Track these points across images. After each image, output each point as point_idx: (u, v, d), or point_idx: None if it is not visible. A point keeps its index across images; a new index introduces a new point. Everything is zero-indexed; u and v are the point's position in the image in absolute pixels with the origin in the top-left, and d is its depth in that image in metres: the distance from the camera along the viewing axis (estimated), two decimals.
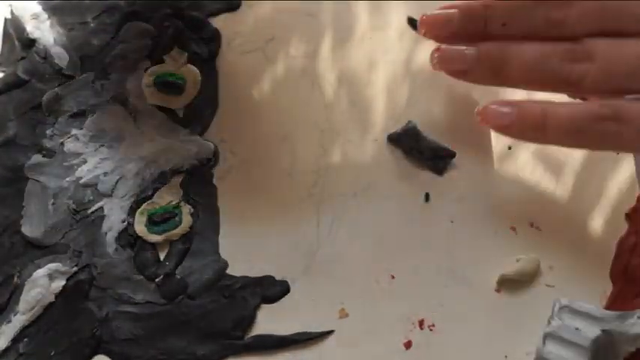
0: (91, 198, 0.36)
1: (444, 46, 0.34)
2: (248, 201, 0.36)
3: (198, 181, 0.37)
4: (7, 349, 0.33)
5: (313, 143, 0.38)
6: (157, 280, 0.34)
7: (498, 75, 0.34)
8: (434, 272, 0.35)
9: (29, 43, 0.39)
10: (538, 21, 0.33)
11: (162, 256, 0.35)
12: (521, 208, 0.37)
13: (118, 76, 0.38)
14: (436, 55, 0.34)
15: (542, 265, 0.35)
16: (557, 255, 0.36)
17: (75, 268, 0.35)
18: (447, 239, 0.36)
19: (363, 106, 0.39)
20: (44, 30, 0.39)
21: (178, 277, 0.35)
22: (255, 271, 0.35)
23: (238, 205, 0.36)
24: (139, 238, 0.35)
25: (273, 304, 0.34)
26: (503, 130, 0.32)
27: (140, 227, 0.35)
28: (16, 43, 0.39)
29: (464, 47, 0.34)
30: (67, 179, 0.36)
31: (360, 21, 0.40)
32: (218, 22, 0.40)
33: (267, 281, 0.35)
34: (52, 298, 0.34)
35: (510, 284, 0.35)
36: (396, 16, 0.40)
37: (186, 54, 0.39)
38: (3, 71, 0.38)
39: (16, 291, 0.34)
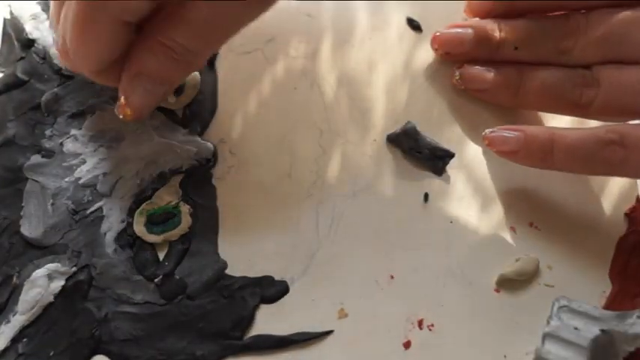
0: (90, 198, 0.36)
1: (467, 65, 0.36)
2: (247, 201, 0.36)
3: (198, 182, 0.37)
4: (6, 350, 0.33)
5: (312, 143, 0.38)
6: (156, 280, 0.34)
7: (515, 96, 0.37)
8: (433, 272, 0.35)
9: (28, 44, 0.39)
10: (548, 48, 0.36)
11: (161, 257, 0.35)
12: (521, 208, 0.37)
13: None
14: (457, 72, 0.37)
15: (541, 265, 0.35)
16: (556, 255, 0.36)
17: (74, 269, 0.34)
18: (447, 239, 0.36)
19: (362, 107, 0.39)
20: (43, 30, 0.39)
21: (177, 277, 0.35)
22: (254, 272, 0.35)
23: (238, 205, 0.36)
24: (138, 238, 0.35)
25: (272, 305, 0.34)
26: (510, 155, 0.35)
27: (139, 227, 0.35)
28: (15, 43, 0.39)
29: (484, 68, 0.36)
30: (67, 179, 0.36)
31: (360, 22, 0.40)
32: None
33: (266, 281, 0.35)
34: (51, 299, 0.34)
35: (510, 284, 0.35)
36: (396, 17, 0.41)
37: None
38: (2, 71, 0.38)
39: (15, 291, 0.34)
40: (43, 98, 0.37)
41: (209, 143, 0.37)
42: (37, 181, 0.36)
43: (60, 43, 0.33)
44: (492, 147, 0.35)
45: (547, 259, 0.36)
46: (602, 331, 0.32)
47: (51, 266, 0.34)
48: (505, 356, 0.34)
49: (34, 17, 0.39)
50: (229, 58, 0.39)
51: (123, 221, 0.36)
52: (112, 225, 0.36)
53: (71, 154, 0.37)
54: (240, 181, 0.37)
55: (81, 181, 0.36)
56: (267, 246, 0.35)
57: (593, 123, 0.37)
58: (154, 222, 0.35)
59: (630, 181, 0.38)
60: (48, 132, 0.37)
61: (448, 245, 0.36)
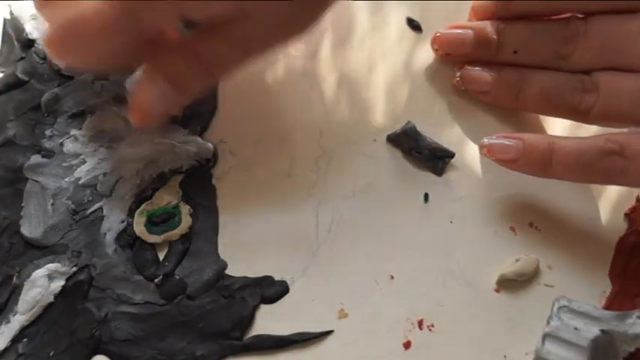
0: (91, 198, 0.36)
1: (467, 66, 0.36)
2: (247, 201, 0.36)
3: (198, 182, 0.37)
4: (6, 350, 0.33)
5: (312, 143, 0.38)
6: (156, 280, 0.34)
7: (515, 99, 0.37)
8: (433, 272, 0.35)
9: (28, 44, 0.39)
10: (547, 52, 0.36)
11: (161, 257, 0.35)
12: (521, 208, 0.37)
13: (118, 76, 0.38)
14: (458, 73, 0.37)
15: (541, 265, 0.35)
16: (556, 255, 0.36)
17: (74, 269, 0.34)
18: (446, 239, 0.36)
19: (362, 107, 0.39)
20: (43, 30, 0.39)
21: (177, 277, 0.35)
22: (254, 272, 0.35)
23: (238, 205, 0.36)
24: (138, 238, 0.35)
25: (272, 305, 0.34)
26: (509, 164, 0.35)
27: (139, 228, 0.35)
28: (15, 43, 0.39)
29: (485, 70, 0.36)
30: (67, 179, 0.36)
31: (360, 21, 0.40)
32: None
33: (266, 281, 0.35)
34: (51, 299, 0.34)
35: (509, 284, 0.35)
36: (396, 17, 0.41)
37: None
38: (2, 72, 0.38)
39: (15, 291, 0.34)
40: (43, 98, 0.37)
41: (209, 143, 0.37)
42: (37, 181, 0.36)
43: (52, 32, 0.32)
44: (491, 155, 0.35)
45: (547, 259, 0.36)
46: (602, 331, 0.32)
47: (51, 266, 0.34)
48: (505, 356, 0.34)
49: (34, 17, 0.39)
50: None
51: (123, 221, 0.36)
52: (112, 225, 0.36)
53: (71, 154, 0.37)
54: (240, 181, 0.37)
55: (81, 181, 0.36)
56: (267, 246, 0.35)
57: (593, 126, 0.37)
58: (154, 222, 0.35)
59: None
60: (48, 132, 0.37)
61: (448, 245, 0.36)
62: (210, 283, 0.35)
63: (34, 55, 0.38)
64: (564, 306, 0.33)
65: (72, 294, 0.34)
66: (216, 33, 0.32)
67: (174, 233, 0.35)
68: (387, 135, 0.38)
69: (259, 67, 0.39)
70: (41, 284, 0.34)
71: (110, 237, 0.35)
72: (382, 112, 0.39)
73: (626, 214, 0.37)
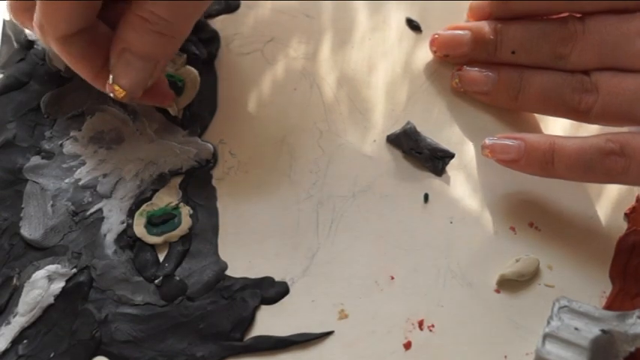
0: (90, 200, 0.36)
1: (466, 67, 0.36)
2: (247, 202, 0.36)
3: (198, 183, 0.37)
4: (6, 351, 0.33)
5: (312, 144, 0.38)
6: (156, 281, 0.34)
7: (515, 100, 0.37)
8: (433, 273, 0.35)
9: (28, 45, 0.39)
10: (545, 52, 0.36)
11: (161, 258, 0.35)
12: (521, 208, 0.37)
13: None
14: (457, 73, 0.37)
15: (541, 265, 0.35)
16: (556, 255, 0.36)
17: (74, 270, 0.34)
18: (447, 240, 0.36)
19: (362, 107, 0.39)
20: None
21: (178, 278, 0.35)
22: (254, 272, 0.35)
23: (237, 206, 0.36)
24: (138, 239, 0.35)
25: (272, 305, 0.34)
26: (511, 164, 0.35)
27: (139, 229, 0.35)
28: (15, 44, 0.39)
29: (485, 70, 0.36)
30: (66, 181, 0.36)
31: (360, 22, 0.40)
32: (217, 23, 0.40)
33: (266, 282, 0.35)
34: (51, 300, 0.34)
35: (510, 284, 0.35)
36: (396, 17, 0.41)
37: (185, 55, 0.39)
38: (2, 73, 0.38)
39: (16, 293, 0.34)
40: (43, 100, 0.37)
41: (209, 144, 0.37)
42: (36, 182, 0.36)
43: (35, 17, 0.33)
44: (492, 156, 0.35)
45: (547, 259, 0.36)
46: (603, 331, 0.32)
47: (51, 268, 0.34)
48: (505, 356, 0.34)
49: None
50: (229, 59, 0.39)
51: (123, 222, 0.36)
52: (112, 226, 0.36)
53: (71, 156, 0.37)
54: (240, 181, 0.37)
55: (81, 183, 0.36)
56: (268, 247, 0.35)
57: (593, 126, 0.37)
58: (154, 223, 0.35)
59: None
60: (47, 133, 0.37)
61: (448, 245, 0.36)
62: (210, 284, 0.35)
63: (34, 57, 0.38)
64: (564, 306, 0.33)
65: (72, 295, 0.34)
66: None
67: (175, 234, 0.35)
68: (387, 135, 0.38)
69: (259, 68, 0.39)
70: (41, 285, 0.34)
71: (110, 238, 0.35)
72: (382, 112, 0.39)
73: (626, 214, 0.37)
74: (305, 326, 0.34)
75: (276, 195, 0.37)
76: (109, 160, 0.37)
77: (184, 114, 0.38)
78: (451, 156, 0.37)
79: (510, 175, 0.36)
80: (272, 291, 0.35)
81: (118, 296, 0.34)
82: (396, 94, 0.39)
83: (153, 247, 0.35)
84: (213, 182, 0.37)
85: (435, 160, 0.37)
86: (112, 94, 0.34)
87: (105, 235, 0.35)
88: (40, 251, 0.35)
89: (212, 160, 0.37)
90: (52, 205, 0.36)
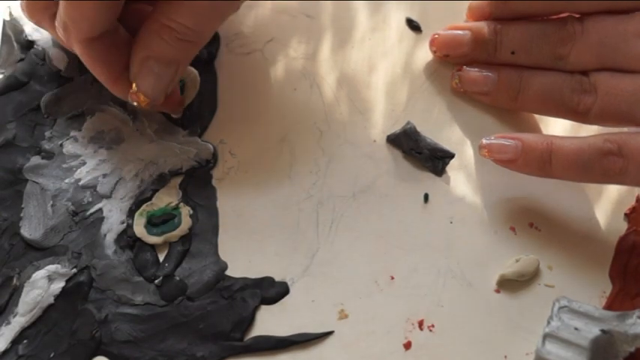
0: (90, 200, 0.36)
1: (466, 67, 0.36)
2: (247, 202, 0.36)
3: (198, 183, 0.37)
4: (6, 351, 0.33)
5: (312, 144, 0.38)
6: (156, 281, 0.34)
7: (515, 100, 0.37)
8: (433, 273, 0.35)
9: (28, 45, 0.39)
10: (545, 53, 0.36)
11: (161, 258, 0.35)
12: (521, 208, 0.37)
13: None
14: (457, 74, 0.37)
15: (541, 265, 0.35)
16: (556, 255, 0.36)
17: (74, 270, 0.34)
18: (447, 240, 0.36)
19: (362, 107, 0.39)
20: (43, 32, 0.39)
21: (178, 278, 0.35)
22: (254, 272, 0.35)
23: (237, 206, 0.36)
24: (138, 239, 0.35)
25: (272, 305, 0.34)
26: (508, 164, 0.35)
27: (139, 229, 0.35)
28: (15, 44, 0.39)
29: (485, 70, 0.36)
30: (66, 181, 0.36)
31: (360, 22, 0.40)
32: None
33: (266, 282, 0.35)
34: (51, 300, 0.34)
35: (510, 284, 0.35)
36: (396, 18, 0.41)
37: None
38: (2, 73, 0.38)
39: (16, 293, 0.34)
40: (43, 100, 0.37)
41: (209, 144, 0.37)
42: (36, 182, 0.36)
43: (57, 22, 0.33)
44: (489, 155, 0.35)
45: (547, 259, 0.36)
46: (603, 331, 0.32)
47: (51, 268, 0.34)
48: (505, 356, 0.34)
49: None
50: (229, 59, 0.39)
51: (123, 222, 0.36)
52: (112, 226, 0.36)
53: (71, 156, 0.37)
54: (240, 182, 0.37)
55: (81, 183, 0.36)
56: (268, 247, 0.35)
57: (593, 126, 0.37)
58: (154, 223, 0.35)
59: None
60: (47, 133, 0.37)
61: (448, 245, 0.36)
62: (210, 284, 0.35)
63: (34, 57, 0.38)
64: (564, 306, 0.33)
65: (72, 295, 0.34)
66: (176, 2, 0.32)
67: (175, 234, 0.35)
68: (387, 135, 0.38)
69: (259, 68, 0.39)
70: (41, 285, 0.34)
71: (110, 238, 0.35)
72: (382, 113, 0.39)
73: (626, 214, 0.37)
74: (305, 326, 0.34)
75: (276, 195, 0.37)
76: (109, 160, 0.37)
77: (184, 114, 0.38)
78: (451, 156, 0.37)
79: (510, 176, 0.36)
80: (272, 291, 0.35)
81: (118, 296, 0.34)
82: (396, 94, 0.39)
83: (153, 247, 0.35)
84: (213, 182, 0.37)
85: (435, 160, 0.37)
86: (135, 103, 0.34)
87: (105, 235, 0.35)
88: (40, 251, 0.35)
89: (212, 160, 0.37)
90: (52, 205, 0.36)
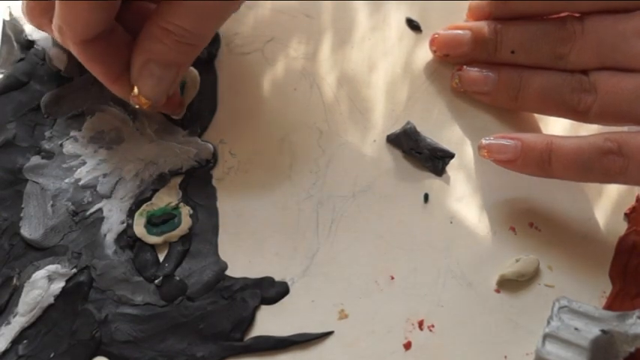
0: (90, 199, 0.36)
1: (466, 67, 0.36)
2: (247, 202, 0.36)
3: (198, 183, 0.37)
4: (6, 351, 0.33)
5: (312, 144, 0.38)
6: (156, 281, 0.34)
7: (515, 100, 0.37)
8: (433, 273, 0.35)
9: (28, 45, 0.38)
10: (544, 52, 0.36)
11: (161, 258, 0.35)
12: (521, 208, 0.37)
13: None
14: (457, 74, 0.37)
15: (541, 266, 0.35)
16: (556, 255, 0.36)
17: (74, 270, 0.34)
18: (447, 240, 0.36)
19: (362, 107, 0.39)
20: (43, 32, 0.39)
21: (178, 278, 0.35)
22: (254, 272, 0.35)
23: (237, 206, 0.36)
24: (138, 239, 0.35)
25: (272, 305, 0.34)
26: (508, 164, 0.35)
27: (139, 229, 0.35)
28: (15, 44, 0.39)
29: (485, 70, 0.36)
30: (66, 181, 0.36)
31: (360, 22, 0.40)
32: None
33: (266, 282, 0.35)
34: (51, 300, 0.34)
35: (510, 284, 0.35)
36: (396, 17, 0.41)
37: None
38: (1, 73, 0.38)
39: (16, 293, 0.34)
40: (43, 99, 0.37)
41: (209, 144, 0.37)
42: (36, 182, 0.36)
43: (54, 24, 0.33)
44: (489, 156, 0.35)
45: (547, 259, 0.36)
46: (603, 331, 0.32)
47: (51, 268, 0.34)
48: (505, 356, 0.34)
49: None
50: (229, 59, 0.39)
51: (123, 222, 0.36)
52: (112, 226, 0.36)
53: (71, 156, 0.37)
54: (240, 182, 0.37)
55: (81, 183, 0.36)
56: (268, 247, 0.35)
57: (593, 125, 0.37)
58: (154, 223, 0.35)
59: None
60: (47, 133, 0.37)
61: (448, 245, 0.36)
62: (210, 284, 0.35)
63: (34, 57, 0.38)
64: (564, 306, 0.33)
65: (72, 295, 0.34)
66: (175, 5, 0.31)
67: (174, 234, 0.35)
68: (387, 135, 0.38)
69: (259, 68, 0.39)
70: (41, 286, 0.34)
71: (110, 238, 0.35)
72: (382, 112, 0.39)
73: (626, 214, 0.37)
74: (305, 326, 0.34)
75: (276, 195, 0.37)
76: (109, 160, 0.37)
77: (184, 114, 0.38)
78: (451, 156, 0.37)
79: (510, 175, 0.36)
80: (272, 291, 0.35)
81: (118, 296, 0.34)
82: (396, 94, 0.39)
83: (153, 247, 0.35)
84: (213, 182, 0.37)
85: (435, 160, 0.37)
86: (137, 106, 0.34)
87: (105, 235, 0.35)
88: (40, 251, 0.35)
89: (212, 160, 0.37)
90: (52, 205, 0.36)
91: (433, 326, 0.34)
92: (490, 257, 0.36)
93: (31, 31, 0.39)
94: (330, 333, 0.34)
